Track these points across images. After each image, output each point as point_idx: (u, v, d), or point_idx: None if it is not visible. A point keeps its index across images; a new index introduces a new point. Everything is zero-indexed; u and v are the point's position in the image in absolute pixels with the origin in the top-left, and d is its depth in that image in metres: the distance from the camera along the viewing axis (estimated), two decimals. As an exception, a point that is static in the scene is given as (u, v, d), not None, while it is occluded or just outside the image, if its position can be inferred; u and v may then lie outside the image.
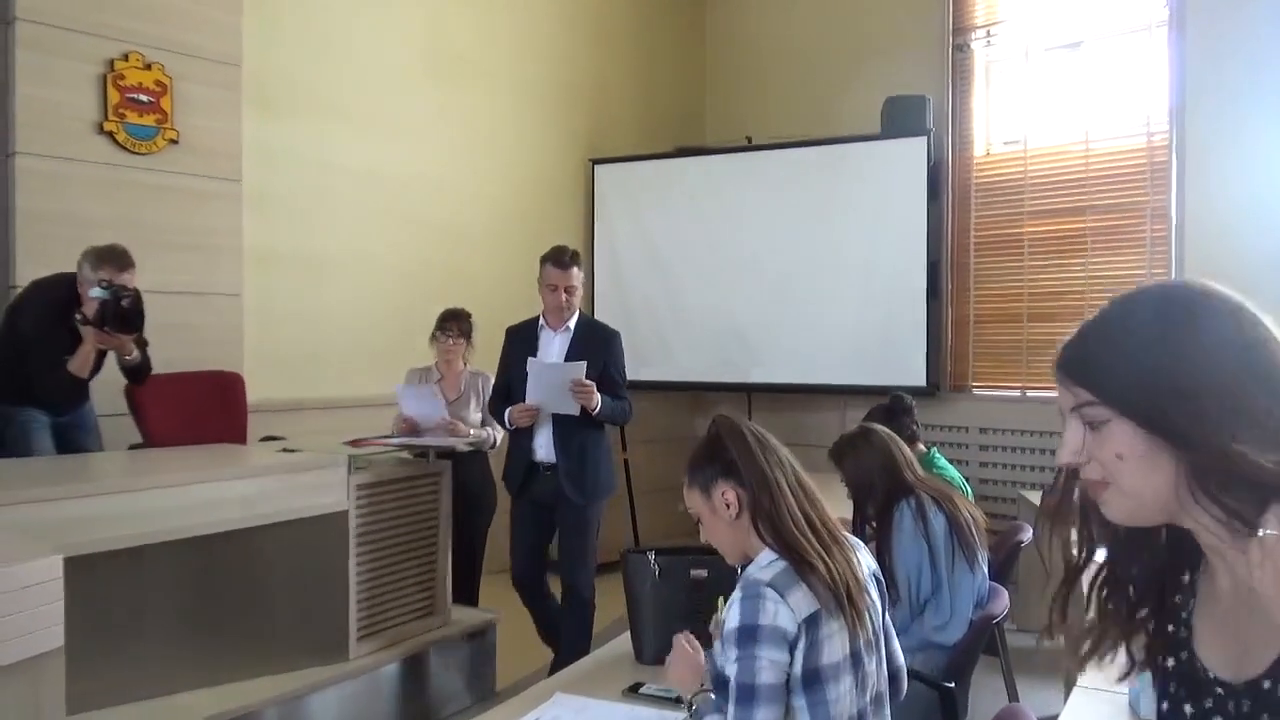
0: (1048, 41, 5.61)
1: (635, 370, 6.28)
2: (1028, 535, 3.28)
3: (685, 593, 2.08)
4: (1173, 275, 5.08)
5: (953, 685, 2.21)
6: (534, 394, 3.44)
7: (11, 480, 2.41)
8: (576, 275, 3.57)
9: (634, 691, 1.96)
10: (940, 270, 5.77)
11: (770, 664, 1.53)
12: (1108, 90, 5.39)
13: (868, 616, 1.66)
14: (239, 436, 3.95)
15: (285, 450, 3.24)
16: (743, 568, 1.72)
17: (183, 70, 4.24)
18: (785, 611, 1.55)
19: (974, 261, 5.86)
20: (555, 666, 3.44)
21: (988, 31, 5.82)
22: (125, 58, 4.07)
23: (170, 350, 3.78)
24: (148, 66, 4.13)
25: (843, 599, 1.60)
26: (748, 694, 1.52)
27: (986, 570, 2.53)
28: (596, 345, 3.60)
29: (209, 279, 4.33)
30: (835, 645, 1.59)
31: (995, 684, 3.09)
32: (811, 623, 1.56)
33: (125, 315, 3.10)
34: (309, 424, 4.50)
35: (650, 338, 6.32)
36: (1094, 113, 5.42)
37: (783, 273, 5.98)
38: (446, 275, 5.31)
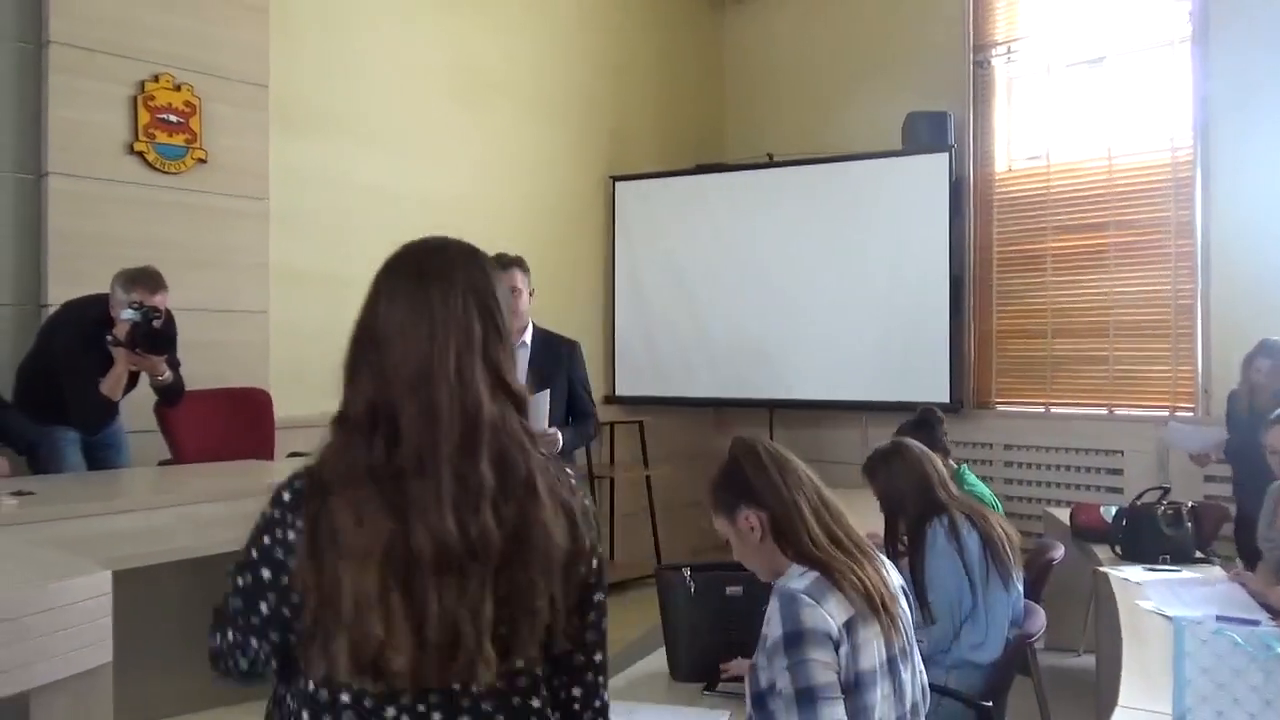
0: (1069, 57, 5.61)
1: (657, 387, 6.33)
2: (1059, 553, 3.25)
3: (720, 609, 2.08)
4: (1199, 290, 5.05)
5: (990, 704, 2.19)
6: None
7: (52, 496, 2.44)
8: (520, 278, 3.16)
9: (710, 689, 2.01)
10: (963, 286, 5.75)
11: (823, 665, 1.53)
12: (1131, 105, 5.37)
13: (900, 624, 1.66)
14: (267, 453, 3.97)
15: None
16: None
17: (211, 91, 4.29)
18: (824, 615, 1.56)
19: (996, 277, 5.84)
20: None
21: (1008, 47, 5.82)
22: (155, 79, 4.13)
23: (197, 367, 3.81)
24: (177, 87, 4.19)
25: (877, 605, 1.61)
26: (808, 696, 1.51)
27: (1021, 589, 2.51)
28: (557, 360, 3.25)
29: (236, 297, 4.37)
30: (872, 651, 1.59)
31: (1028, 705, 3.06)
32: (849, 628, 1.57)
33: (155, 337, 3.13)
34: (334, 441, 4.51)
35: (671, 354, 6.33)
36: (1117, 128, 5.41)
37: (804, 289, 5.98)
38: (469, 293, 5.32)
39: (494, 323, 1.16)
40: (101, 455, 3.48)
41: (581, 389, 3.31)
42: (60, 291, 3.83)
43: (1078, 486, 5.28)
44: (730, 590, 2.08)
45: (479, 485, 1.07)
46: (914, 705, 1.68)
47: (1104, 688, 3.49)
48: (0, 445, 3.16)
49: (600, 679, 1.22)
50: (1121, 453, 5.20)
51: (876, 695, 1.58)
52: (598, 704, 1.21)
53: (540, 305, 4.87)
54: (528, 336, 3.21)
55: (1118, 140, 5.40)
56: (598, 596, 1.19)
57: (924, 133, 5.70)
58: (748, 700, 1.67)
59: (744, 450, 1.74)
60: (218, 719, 2.34)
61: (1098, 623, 3.54)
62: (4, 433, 3.19)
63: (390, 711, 1.07)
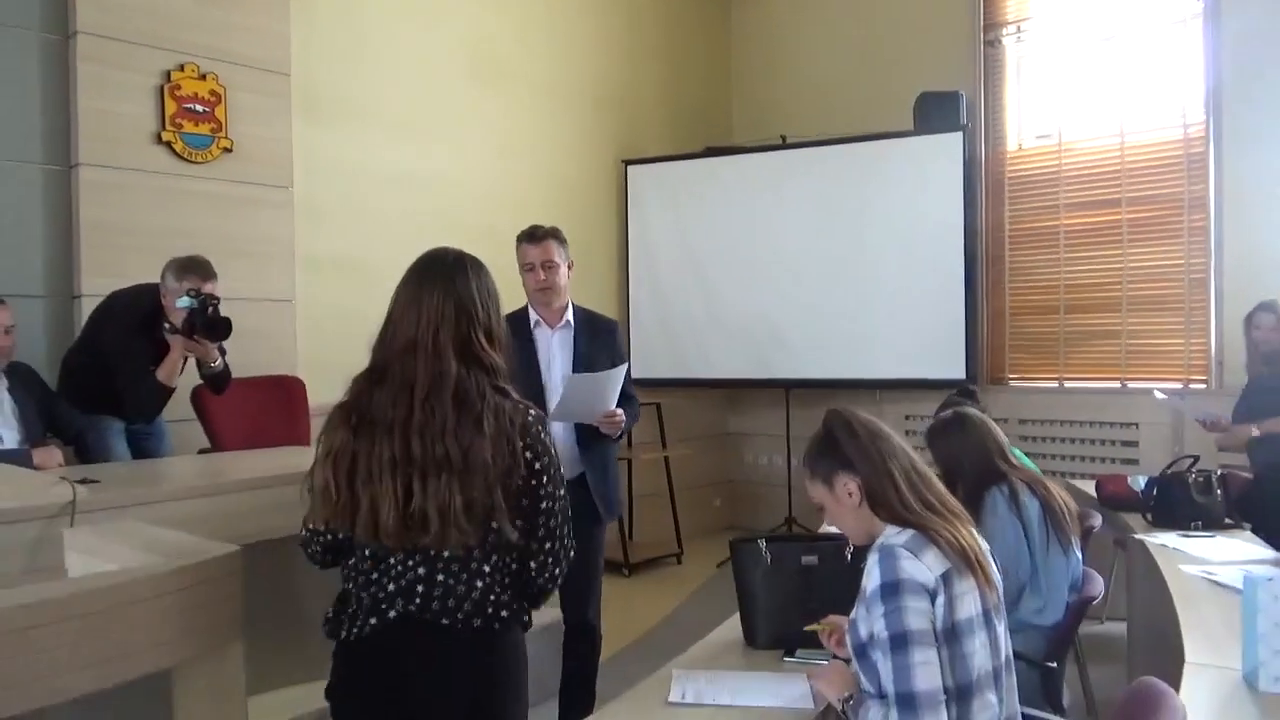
0: (1079, 35, 5.66)
1: (672, 369, 6.37)
2: (1097, 521, 3.32)
3: (796, 579, 2.12)
4: (1211, 264, 5.13)
5: (1054, 665, 2.25)
6: (566, 407, 2.89)
7: (118, 483, 2.46)
8: (556, 250, 3.04)
9: (790, 655, 2.05)
10: (976, 264, 5.81)
11: (917, 612, 1.61)
12: (1142, 82, 5.43)
13: (994, 581, 1.74)
14: (302, 440, 3.99)
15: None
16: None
17: (235, 80, 4.29)
18: (921, 567, 1.65)
19: (1009, 255, 5.90)
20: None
21: (1019, 26, 5.87)
22: (181, 68, 4.12)
23: (228, 356, 3.83)
24: (202, 76, 4.18)
25: (971, 561, 1.69)
26: (901, 641, 1.59)
27: (1080, 555, 2.57)
28: (603, 341, 3.13)
29: (263, 285, 4.37)
30: (968, 603, 1.67)
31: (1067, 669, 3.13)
32: (946, 580, 1.65)
33: (213, 323, 3.15)
34: (363, 427, 4.53)
35: (686, 336, 6.36)
36: (1128, 105, 5.46)
37: (818, 269, 6.03)
38: (487, 277, 5.35)
39: (468, 315, 1.66)
40: (144, 444, 3.50)
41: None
42: (93, 283, 3.84)
43: (1093, 459, 5.37)
44: (805, 560, 2.12)
45: (442, 419, 1.58)
46: (1007, 658, 1.75)
47: (1136, 651, 3.57)
48: (50, 435, 3.18)
49: (549, 560, 1.71)
50: (1136, 425, 5.28)
51: (975, 644, 1.65)
52: (547, 575, 1.72)
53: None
54: (570, 315, 3.11)
55: (1129, 117, 5.46)
56: (537, 500, 1.67)
57: (936, 112, 5.74)
58: (849, 648, 1.74)
59: (839, 421, 1.82)
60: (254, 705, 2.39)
61: (1130, 589, 3.61)
62: (54, 422, 3.20)
63: (391, 560, 1.62)
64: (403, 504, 1.55)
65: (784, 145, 6.27)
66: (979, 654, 1.66)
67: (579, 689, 3.01)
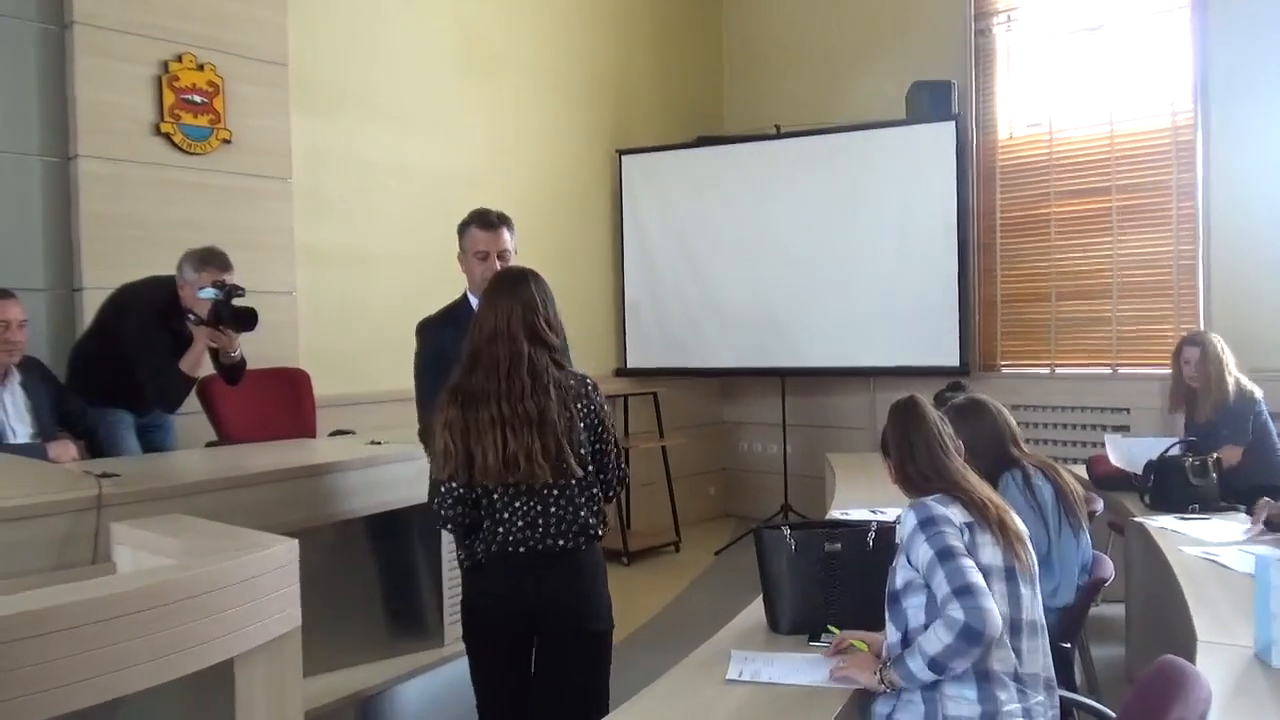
0: (1069, 25, 5.72)
1: (667, 358, 6.40)
2: (1099, 505, 3.38)
3: (820, 565, 2.17)
4: (1200, 250, 5.21)
5: (1068, 645, 2.30)
6: None
7: (138, 477, 2.46)
8: (508, 239, 2.88)
9: (815, 640, 2.12)
10: (968, 252, 5.87)
11: (953, 535, 1.85)
12: (1131, 72, 5.50)
13: (1015, 546, 1.91)
14: (309, 432, 4.00)
15: (373, 443, 3.29)
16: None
17: (232, 71, 4.26)
18: (949, 511, 1.90)
19: (1001, 242, 5.97)
20: None
21: (1008, 16, 5.92)
22: (179, 59, 4.09)
23: (237, 347, 3.82)
24: (200, 67, 4.15)
25: (991, 516, 1.90)
26: (948, 553, 1.82)
27: (1090, 538, 2.63)
28: None
29: (263, 277, 4.33)
30: (988, 554, 1.87)
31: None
32: (968, 528, 1.89)
33: (240, 314, 3.15)
34: (365, 418, 4.53)
35: (681, 325, 6.40)
36: (1117, 94, 5.53)
37: (812, 258, 6.07)
38: (484, 268, 5.37)
39: (532, 309, 2.21)
40: (152, 437, 3.50)
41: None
42: (94, 275, 3.82)
43: (1086, 444, 5.45)
44: (829, 546, 2.17)
45: (521, 386, 2.13)
46: (1032, 622, 1.90)
47: (1134, 632, 3.66)
48: (61, 429, 3.16)
49: (613, 480, 2.30)
50: (1127, 410, 5.38)
51: (992, 590, 1.82)
52: (611, 493, 2.30)
53: (550, 278, 4.91)
54: None
55: (1119, 106, 5.53)
56: (598, 435, 2.24)
57: (928, 102, 5.79)
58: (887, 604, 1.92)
59: (891, 410, 2.09)
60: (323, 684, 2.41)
61: (1128, 572, 3.68)
62: (64, 416, 3.19)
63: (495, 494, 2.15)
64: (501, 451, 2.08)
65: (777, 135, 6.30)
66: (998, 602, 1.81)
67: None
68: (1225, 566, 2.68)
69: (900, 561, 1.91)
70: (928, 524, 1.87)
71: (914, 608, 1.86)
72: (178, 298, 3.22)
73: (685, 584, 5.28)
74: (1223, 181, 5.11)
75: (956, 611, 1.75)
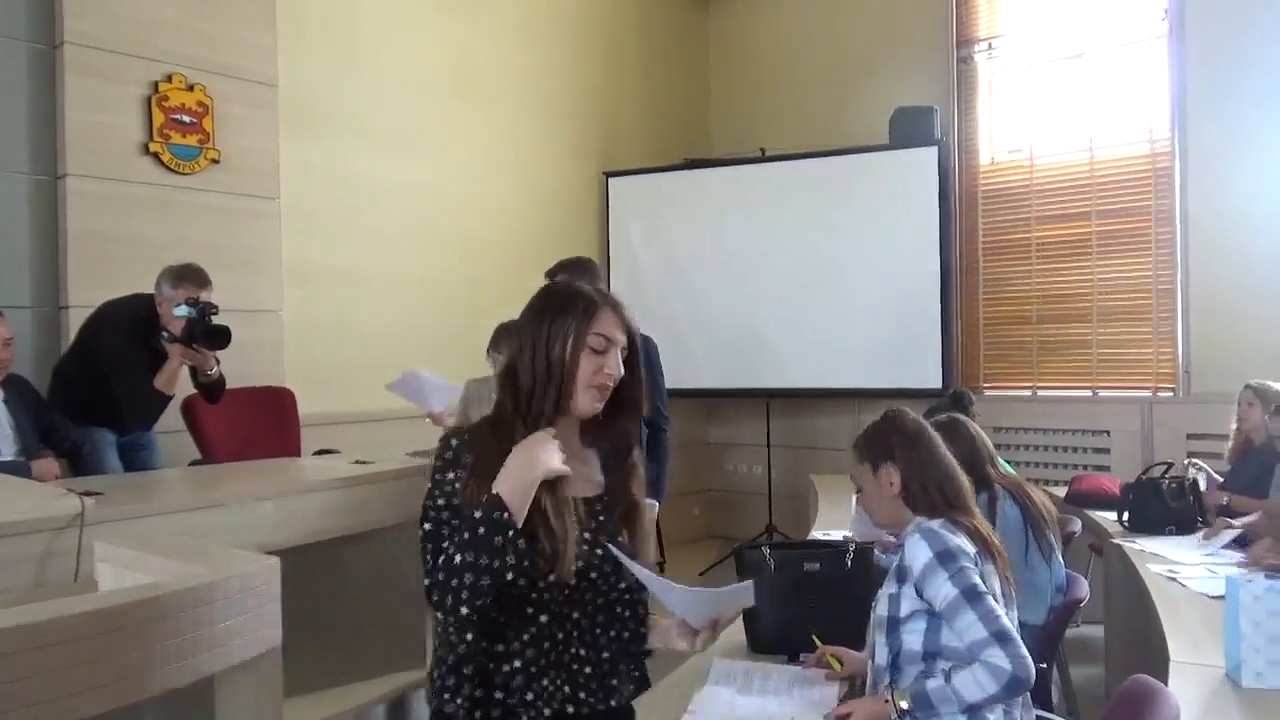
0: (1049, 53, 5.82)
1: (653, 378, 6.42)
2: (1077, 526, 3.42)
3: (799, 584, 2.19)
4: (1179, 275, 5.29)
5: (1045, 665, 2.33)
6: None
7: (121, 496, 2.47)
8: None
9: (794, 659, 2.14)
10: (951, 275, 5.94)
11: (973, 571, 1.81)
12: (1110, 99, 5.59)
13: (1007, 573, 1.93)
14: (293, 450, 4.00)
15: (358, 462, 3.30)
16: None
17: (222, 91, 4.30)
18: (959, 541, 1.86)
19: (983, 266, 6.04)
20: None
21: (990, 43, 6.02)
22: (169, 79, 4.12)
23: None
24: (190, 88, 4.19)
25: (993, 548, 1.90)
26: (974, 592, 1.78)
27: (1061, 560, 2.66)
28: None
29: (250, 296, 4.37)
30: (996, 584, 1.88)
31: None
32: (978, 559, 1.87)
33: (213, 332, 3.16)
34: (351, 437, 4.54)
35: (667, 346, 6.32)
36: (1097, 121, 5.63)
37: (797, 280, 6.13)
38: (470, 288, 5.42)
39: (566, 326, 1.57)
40: (135, 456, 3.50)
41: None
42: (80, 293, 3.83)
43: (1066, 466, 5.50)
44: (808, 566, 2.19)
45: None
46: None
47: (1114, 653, 3.69)
48: (44, 447, 3.16)
49: None
50: (1108, 432, 5.43)
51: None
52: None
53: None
54: None
55: (1098, 132, 5.62)
56: None
57: (911, 127, 5.87)
58: (878, 628, 1.89)
59: (897, 419, 2.04)
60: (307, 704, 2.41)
61: (1106, 592, 3.72)
62: (49, 435, 3.19)
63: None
64: None
65: (763, 158, 6.37)
66: None
67: None
68: (1190, 588, 2.71)
69: (905, 590, 1.86)
70: (946, 558, 1.81)
71: (913, 633, 1.84)
72: (157, 314, 3.23)
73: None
74: (1200, 207, 5.20)
75: (1000, 660, 1.72)
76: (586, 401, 1.46)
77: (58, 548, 2.15)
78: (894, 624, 1.85)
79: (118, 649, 1.28)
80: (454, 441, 1.45)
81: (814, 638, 2.08)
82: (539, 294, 1.58)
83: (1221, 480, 3.78)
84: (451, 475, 1.42)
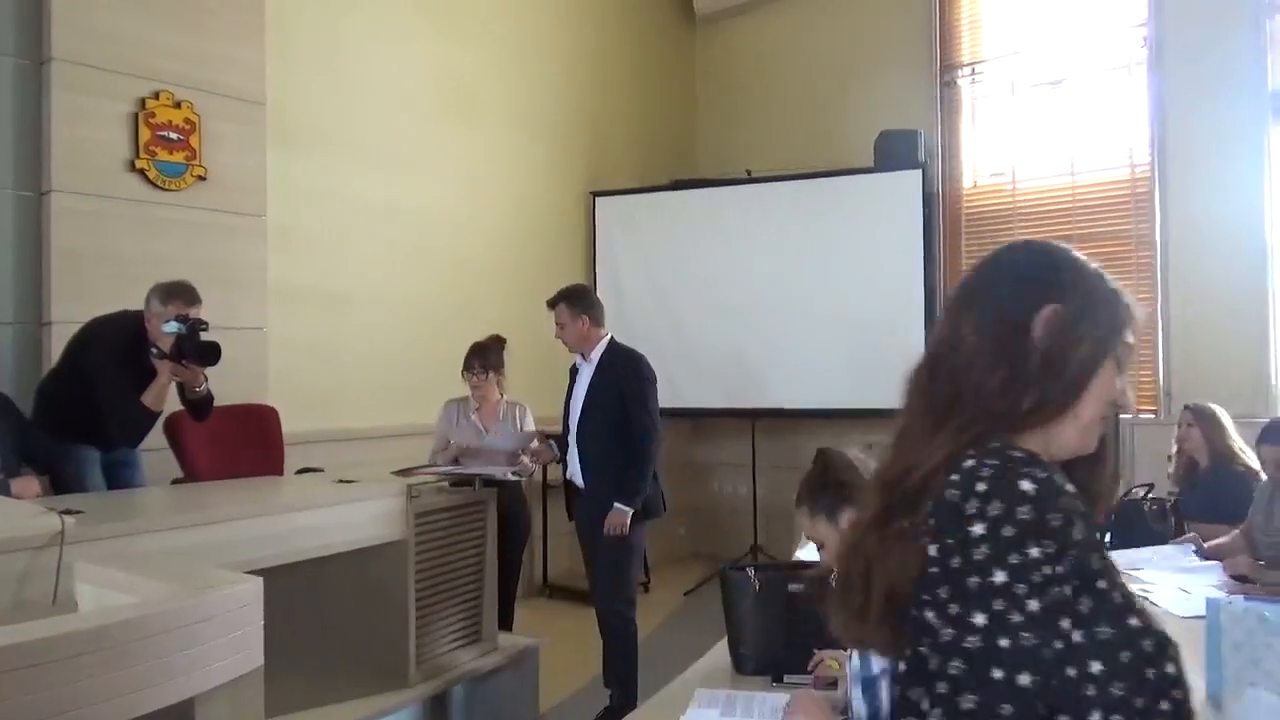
0: (1031, 79, 5.90)
1: (639, 398, 6.42)
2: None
3: (784, 605, 2.19)
4: (1158, 298, 5.35)
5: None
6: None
7: (102, 514, 2.45)
8: (559, 312, 3.90)
9: (779, 681, 2.11)
10: (935, 297, 5.98)
11: None
12: (1091, 124, 5.67)
13: None
14: (276, 469, 3.98)
15: (342, 481, 3.29)
16: None
17: (209, 108, 4.30)
18: None
19: (966, 288, 6.08)
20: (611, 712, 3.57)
21: (973, 69, 6.10)
22: (156, 96, 4.12)
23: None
24: (177, 105, 4.19)
25: None
26: None
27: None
28: (615, 375, 3.89)
29: (235, 313, 4.35)
30: None
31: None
32: None
33: (203, 349, 3.14)
34: (335, 455, 4.52)
35: (653, 366, 6.42)
36: (1078, 146, 5.70)
37: (783, 301, 6.16)
38: (457, 307, 5.41)
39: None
40: (119, 474, 3.46)
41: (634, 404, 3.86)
42: (63, 310, 3.81)
43: (1049, 487, 5.52)
44: (793, 587, 2.19)
45: None
46: None
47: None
48: (25, 465, 3.13)
49: None
50: (1090, 454, 5.46)
51: None
52: None
53: (523, 318, 4.98)
54: (595, 354, 4.00)
55: (1079, 157, 5.69)
56: None
57: (895, 150, 5.93)
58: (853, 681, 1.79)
59: (839, 460, 1.85)
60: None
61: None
62: (30, 452, 3.16)
63: None
64: None
65: (749, 179, 6.41)
66: None
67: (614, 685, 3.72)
68: (1163, 608, 2.72)
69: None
70: None
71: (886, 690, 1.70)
72: (145, 331, 3.21)
73: (654, 624, 5.26)
74: (1179, 231, 5.26)
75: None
76: None
77: (37, 567, 2.13)
78: (869, 684, 1.66)
79: (97, 671, 1.27)
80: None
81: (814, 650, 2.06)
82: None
83: (1171, 502, 3.78)
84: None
